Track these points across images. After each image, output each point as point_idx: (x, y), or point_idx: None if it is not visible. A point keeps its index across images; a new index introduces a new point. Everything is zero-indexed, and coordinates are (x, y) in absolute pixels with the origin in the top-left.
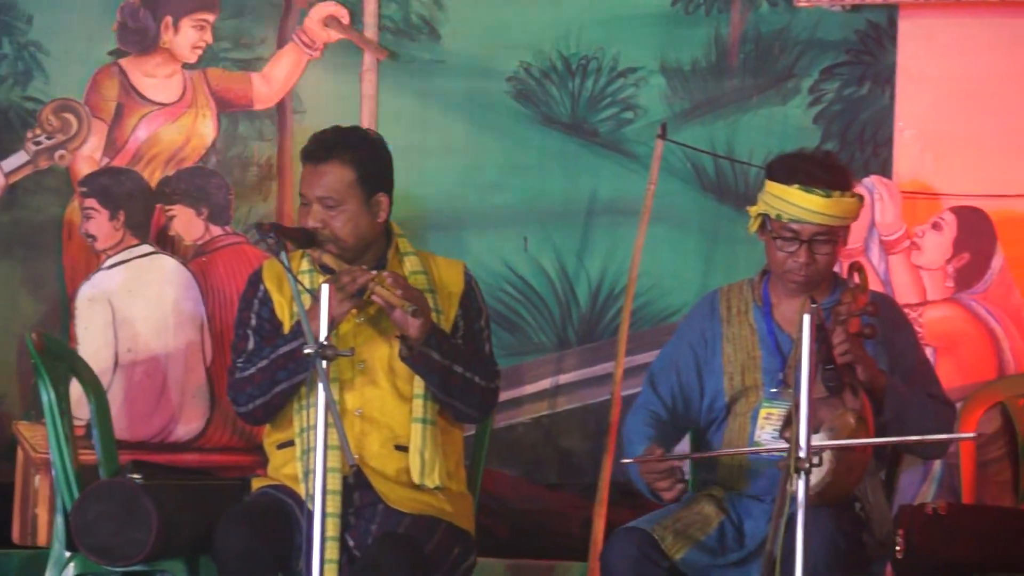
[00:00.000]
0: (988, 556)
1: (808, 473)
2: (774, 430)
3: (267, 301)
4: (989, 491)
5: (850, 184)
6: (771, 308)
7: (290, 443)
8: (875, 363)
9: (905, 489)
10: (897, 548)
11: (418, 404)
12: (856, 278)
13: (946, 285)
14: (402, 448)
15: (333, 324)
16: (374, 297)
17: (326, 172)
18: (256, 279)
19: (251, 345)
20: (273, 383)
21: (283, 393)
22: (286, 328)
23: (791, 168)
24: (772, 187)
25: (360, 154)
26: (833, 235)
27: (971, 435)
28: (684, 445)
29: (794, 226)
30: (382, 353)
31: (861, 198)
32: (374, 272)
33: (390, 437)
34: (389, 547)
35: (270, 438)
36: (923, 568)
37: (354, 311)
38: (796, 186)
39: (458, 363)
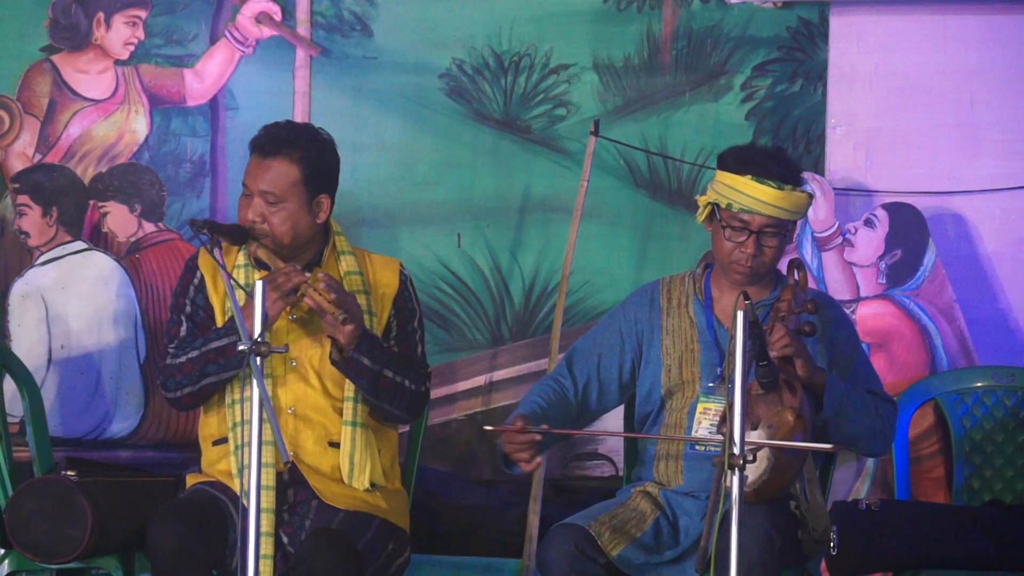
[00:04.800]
0: (921, 552)
1: (743, 470)
2: (711, 425)
3: (202, 288)
4: (922, 487)
5: (800, 180)
6: (712, 302)
7: (224, 440)
8: (814, 360)
9: (839, 485)
10: (831, 544)
11: (348, 407)
12: (796, 275)
13: (879, 282)
14: (335, 445)
15: (268, 322)
16: (306, 299)
17: (272, 167)
18: (193, 264)
19: (183, 331)
20: (202, 375)
21: (212, 385)
22: (218, 316)
23: (744, 159)
24: (724, 177)
25: (308, 153)
26: (782, 229)
27: (828, 446)
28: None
29: (744, 216)
30: (314, 352)
31: (811, 195)
32: (308, 275)
33: (323, 435)
34: (321, 543)
35: (204, 432)
36: (857, 564)
37: (287, 308)
38: (749, 176)
39: (389, 367)
